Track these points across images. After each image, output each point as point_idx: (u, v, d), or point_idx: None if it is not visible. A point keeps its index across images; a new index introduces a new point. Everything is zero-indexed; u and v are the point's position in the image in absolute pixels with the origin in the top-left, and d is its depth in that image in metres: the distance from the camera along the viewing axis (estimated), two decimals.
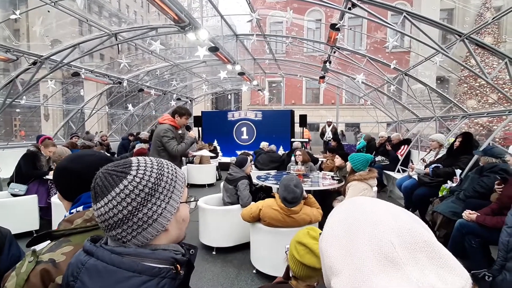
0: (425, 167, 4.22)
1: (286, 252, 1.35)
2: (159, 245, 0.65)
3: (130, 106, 9.27)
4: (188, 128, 3.71)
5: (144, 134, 7.60)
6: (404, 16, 3.69)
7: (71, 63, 5.63)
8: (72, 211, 0.95)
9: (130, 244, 0.62)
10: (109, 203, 0.60)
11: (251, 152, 5.84)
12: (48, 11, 3.98)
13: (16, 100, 5.68)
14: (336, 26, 3.96)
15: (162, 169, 0.67)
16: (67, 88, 9.44)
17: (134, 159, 0.68)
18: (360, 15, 4.09)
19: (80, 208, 0.94)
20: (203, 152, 4.65)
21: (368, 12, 3.97)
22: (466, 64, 4.85)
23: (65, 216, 0.95)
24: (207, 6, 5.53)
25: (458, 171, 3.57)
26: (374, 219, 0.48)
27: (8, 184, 3.89)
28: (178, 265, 0.62)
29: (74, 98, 9.93)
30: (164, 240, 0.66)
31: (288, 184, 2.55)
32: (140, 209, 0.61)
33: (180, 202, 0.69)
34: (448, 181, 3.62)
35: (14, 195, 3.68)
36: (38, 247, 0.85)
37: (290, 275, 1.33)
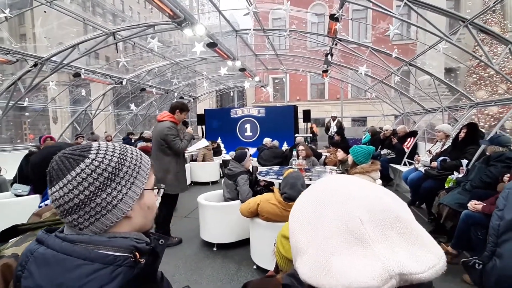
0: (431, 160, 4.10)
1: (274, 244, 1.30)
2: (119, 232, 0.61)
3: (132, 106, 9.32)
4: (186, 124, 3.67)
5: (148, 133, 7.64)
6: (405, 2, 3.56)
7: (72, 64, 5.67)
8: (41, 204, 0.92)
9: (87, 231, 0.59)
10: (64, 187, 0.57)
11: (249, 148, 5.79)
12: (45, 11, 4.00)
13: (19, 103, 5.77)
14: (335, 16, 3.86)
15: (125, 154, 0.64)
16: (72, 90, 9.56)
17: (95, 143, 0.64)
18: (364, 5, 3.98)
19: (48, 202, 0.91)
20: (199, 144, 4.59)
21: (372, 3, 3.87)
22: (475, 54, 4.67)
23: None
24: (208, 4, 5.49)
25: (464, 162, 3.45)
26: (343, 196, 0.45)
27: (12, 184, 3.94)
28: (137, 254, 0.58)
29: (80, 99, 10.07)
30: (126, 227, 0.63)
31: (295, 183, 2.46)
32: (98, 194, 0.58)
33: (145, 189, 0.65)
34: (455, 172, 3.50)
35: (17, 196, 3.73)
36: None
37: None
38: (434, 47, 4.57)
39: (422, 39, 6.46)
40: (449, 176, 3.54)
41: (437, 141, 4.57)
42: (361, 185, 0.47)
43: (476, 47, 9.00)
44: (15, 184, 3.79)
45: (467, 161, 3.50)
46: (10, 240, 0.83)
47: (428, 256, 0.38)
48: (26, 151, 4.31)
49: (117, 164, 0.61)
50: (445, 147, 4.28)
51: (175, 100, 10.51)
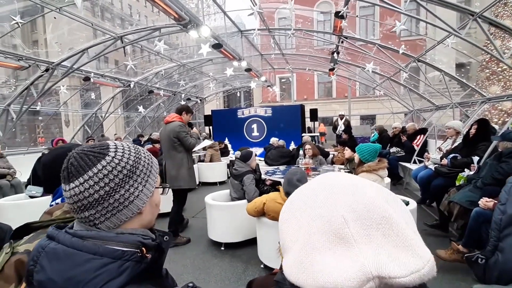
0: (441, 157, 4.01)
1: (279, 242, 1.31)
2: (126, 229, 0.64)
3: (141, 108, 9.46)
4: (190, 125, 3.81)
5: (156, 135, 7.74)
6: None
7: (82, 68, 5.81)
8: (52, 203, 0.95)
9: (102, 227, 0.61)
10: (85, 183, 0.59)
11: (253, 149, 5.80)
12: (55, 18, 4.12)
13: (32, 107, 5.95)
14: (340, 14, 3.83)
15: (139, 153, 0.68)
16: (83, 94, 9.79)
17: (110, 142, 0.67)
18: (371, 1, 3.93)
19: (59, 201, 0.94)
20: (203, 143, 4.67)
21: None
22: (486, 48, 4.55)
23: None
24: (214, 6, 5.53)
25: (475, 159, 3.37)
26: (329, 193, 0.43)
27: (26, 186, 4.07)
28: (144, 249, 0.60)
29: (91, 103, 10.30)
30: (137, 223, 0.66)
31: (291, 178, 2.49)
32: (117, 190, 0.60)
33: (155, 187, 0.69)
34: (466, 169, 3.42)
35: (31, 197, 3.85)
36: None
37: None
38: (443, 42, 4.48)
39: (431, 34, 6.34)
40: (459, 174, 3.46)
41: (448, 138, 4.48)
42: (352, 183, 0.45)
43: (488, 42, 8.78)
44: (29, 186, 3.91)
45: (478, 158, 3.42)
46: (23, 238, 0.86)
47: (412, 260, 0.36)
48: (40, 154, 4.44)
49: (134, 162, 0.64)
50: (456, 144, 4.19)
51: (183, 101, 10.64)
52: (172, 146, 3.45)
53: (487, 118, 4.54)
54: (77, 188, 0.59)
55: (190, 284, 0.75)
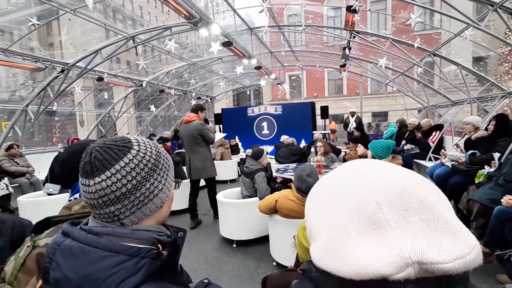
0: (466, 144, 3.85)
1: (294, 237, 1.29)
2: (141, 225, 0.63)
3: (152, 107, 9.60)
4: (206, 121, 4.20)
5: (167, 134, 7.86)
6: None
7: (95, 69, 5.94)
8: (70, 198, 0.96)
9: (126, 221, 0.61)
10: (113, 176, 0.58)
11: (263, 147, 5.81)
12: (69, 19, 4.22)
13: (49, 107, 6.12)
14: (352, 8, 3.75)
15: (158, 148, 0.68)
16: (96, 94, 10.01)
17: (130, 136, 0.68)
18: None
19: (77, 196, 0.95)
20: (218, 135, 4.85)
21: None
22: (507, 40, 4.35)
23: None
24: (223, 4, 5.53)
25: (496, 155, 3.24)
26: (361, 178, 0.42)
27: (44, 184, 4.20)
28: (159, 246, 0.59)
29: (104, 103, 10.53)
30: (156, 217, 0.66)
31: (301, 174, 2.46)
32: (143, 183, 0.61)
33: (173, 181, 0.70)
34: (486, 166, 3.30)
35: (49, 194, 3.97)
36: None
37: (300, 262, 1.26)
38: (460, 35, 4.32)
39: (446, 27, 6.13)
40: (479, 171, 3.34)
41: (466, 134, 4.32)
42: (383, 167, 0.44)
43: (508, 33, 8.42)
44: (47, 184, 4.03)
45: (499, 155, 3.29)
46: (44, 232, 0.88)
47: (456, 245, 0.34)
48: (56, 153, 4.58)
49: (157, 156, 0.65)
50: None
51: (193, 100, 10.74)
52: (195, 142, 3.87)
53: (507, 113, 4.35)
54: (104, 182, 0.58)
55: (206, 281, 0.74)
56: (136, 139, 0.66)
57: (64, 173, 1.00)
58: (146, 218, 0.63)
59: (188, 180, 4.06)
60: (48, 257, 0.57)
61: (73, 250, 0.56)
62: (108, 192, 0.58)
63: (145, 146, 0.65)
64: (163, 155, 0.68)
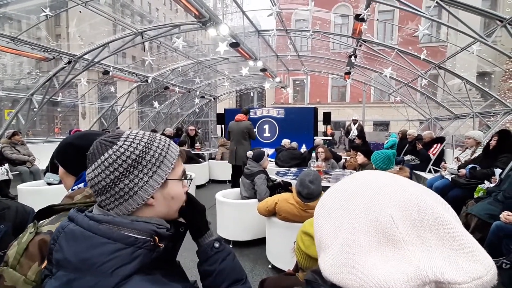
0: (459, 167, 3.88)
1: (294, 242, 1.29)
2: (142, 217, 0.64)
3: (156, 104, 9.62)
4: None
5: (169, 130, 7.88)
6: (437, 2, 3.41)
7: (101, 62, 5.97)
8: (74, 187, 0.97)
9: (112, 213, 0.62)
10: (95, 169, 0.62)
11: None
12: (80, 12, 4.25)
13: (54, 98, 6.14)
14: (361, 16, 3.77)
15: (151, 143, 0.65)
16: (101, 87, 10.04)
17: (128, 131, 0.68)
18: (392, 5, 3.84)
19: (81, 185, 0.96)
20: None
21: (400, 2, 3.74)
22: None
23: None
24: (232, 5, 5.56)
25: (497, 171, 3.24)
26: (374, 191, 0.41)
27: (44, 173, 4.21)
28: (156, 238, 0.61)
29: (107, 97, 10.55)
30: (149, 214, 0.65)
31: (304, 179, 2.46)
32: (121, 179, 0.61)
33: (168, 179, 0.66)
34: (486, 181, 3.30)
35: (49, 184, 3.98)
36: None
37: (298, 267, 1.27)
38: (467, 49, 4.34)
39: (453, 40, 6.15)
40: (478, 185, 3.34)
41: (467, 148, 4.33)
42: (396, 180, 0.43)
43: None
44: (48, 173, 4.04)
45: (500, 171, 3.29)
46: (45, 220, 0.89)
47: (473, 265, 0.33)
48: (58, 143, 4.59)
49: (141, 152, 0.63)
50: (475, 154, 4.05)
51: (197, 98, 10.82)
52: (243, 137, 4.98)
53: (509, 129, 4.36)
54: (91, 173, 0.62)
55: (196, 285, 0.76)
56: (127, 135, 0.65)
57: (71, 158, 1.02)
58: (139, 212, 0.63)
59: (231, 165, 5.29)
60: (53, 239, 0.60)
61: (75, 234, 0.58)
62: (93, 183, 0.62)
63: (131, 141, 0.63)
64: (155, 151, 0.64)
